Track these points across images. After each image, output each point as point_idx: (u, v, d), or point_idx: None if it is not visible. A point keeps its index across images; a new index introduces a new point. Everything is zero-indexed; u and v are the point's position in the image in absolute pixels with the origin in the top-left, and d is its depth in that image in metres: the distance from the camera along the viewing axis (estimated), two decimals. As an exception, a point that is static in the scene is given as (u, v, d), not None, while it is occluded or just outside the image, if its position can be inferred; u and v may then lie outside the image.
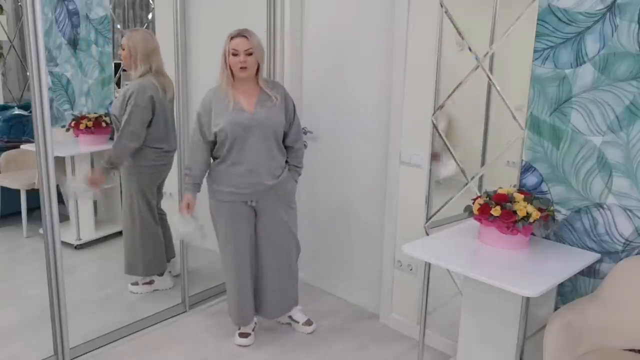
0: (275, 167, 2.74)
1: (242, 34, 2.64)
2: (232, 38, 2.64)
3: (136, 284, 3.43)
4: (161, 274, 3.44)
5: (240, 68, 2.62)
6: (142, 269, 3.36)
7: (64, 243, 2.68)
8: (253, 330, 2.97)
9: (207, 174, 2.79)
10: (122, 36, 3.16)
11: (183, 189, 2.81)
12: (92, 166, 4.10)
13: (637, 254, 2.20)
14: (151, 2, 3.93)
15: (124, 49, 3.16)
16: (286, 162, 2.82)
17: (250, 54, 2.62)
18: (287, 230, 2.86)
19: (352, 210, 3.36)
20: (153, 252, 3.34)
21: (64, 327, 2.67)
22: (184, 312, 3.25)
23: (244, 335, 2.93)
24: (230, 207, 2.74)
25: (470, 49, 2.61)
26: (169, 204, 3.98)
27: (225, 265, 2.85)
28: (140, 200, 3.25)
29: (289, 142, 2.82)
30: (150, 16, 3.94)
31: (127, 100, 3.06)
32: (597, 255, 2.27)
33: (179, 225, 2.78)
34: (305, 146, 3.43)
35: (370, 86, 3.14)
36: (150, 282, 3.44)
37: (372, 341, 3.02)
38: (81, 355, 2.78)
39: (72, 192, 3.37)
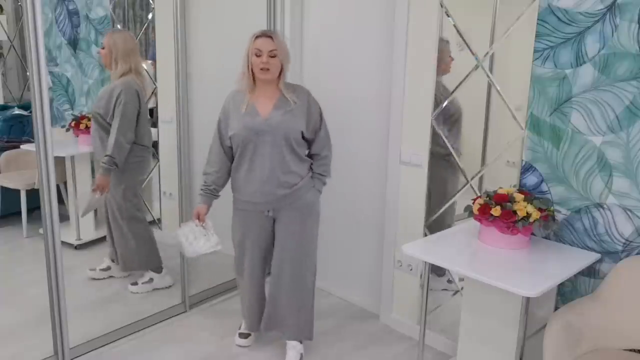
0: (289, 176, 2.55)
1: (266, 33, 2.51)
2: (256, 37, 2.50)
3: (135, 283, 3.44)
4: (159, 271, 3.46)
5: (261, 69, 2.47)
6: (138, 263, 3.39)
7: (64, 243, 2.68)
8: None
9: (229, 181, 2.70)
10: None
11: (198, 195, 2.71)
12: (93, 166, 4.10)
13: (637, 254, 2.20)
14: (151, 2, 3.93)
15: (103, 48, 3.20)
16: (311, 169, 2.66)
17: (274, 56, 2.46)
18: (300, 245, 2.65)
19: (352, 210, 3.35)
20: (145, 245, 3.39)
21: (64, 327, 2.67)
22: (184, 312, 3.25)
23: (243, 335, 2.93)
24: (246, 215, 2.65)
25: (470, 49, 2.61)
26: (169, 204, 3.99)
27: (238, 271, 2.80)
28: (131, 196, 3.31)
29: (314, 150, 2.64)
30: (150, 16, 3.94)
31: (117, 100, 3.11)
32: (597, 255, 2.27)
33: (189, 242, 2.66)
34: None
35: (370, 86, 3.14)
36: (150, 281, 3.45)
37: (372, 341, 3.02)
38: (81, 355, 2.78)
39: (88, 206, 3.36)
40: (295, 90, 2.60)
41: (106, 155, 3.11)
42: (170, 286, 3.45)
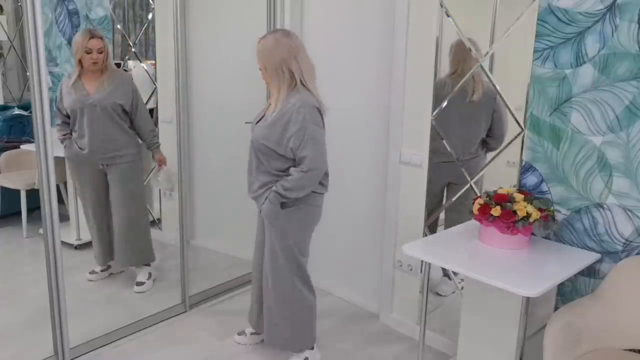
0: (255, 183, 2.52)
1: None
2: None
3: (141, 283, 3.46)
4: (151, 262, 3.57)
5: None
6: (147, 256, 3.51)
7: (64, 243, 2.68)
8: (253, 333, 2.95)
9: None
10: (88, 38, 3.14)
11: None
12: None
13: (637, 254, 2.20)
14: (151, 2, 3.93)
15: (101, 52, 3.18)
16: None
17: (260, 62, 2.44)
18: (268, 255, 2.58)
19: (352, 210, 3.36)
20: (148, 237, 3.53)
21: (64, 327, 2.67)
22: (184, 312, 3.25)
23: (240, 332, 2.96)
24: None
25: (470, 49, 2.61)
26: (170, 204, 4.00)
27: None
28: (143, 184, 3.47)
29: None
30: (150, 16, 3.94)
31: (133, 88, 3.30)
32: (597, 255, 2.27)
33: None
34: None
35: (370, 86, 3.14)
36: (150, 275, 3.51)
37: (372, 341, 3.02)
38: (81, 355, 2.78)
39: (167, 183, 3.51)
40: (287, 102, 2.38)
41: (154, 135, 3.40)
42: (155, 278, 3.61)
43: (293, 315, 2.64)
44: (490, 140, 2.71)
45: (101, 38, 3.19)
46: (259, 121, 2.52)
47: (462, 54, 2.68)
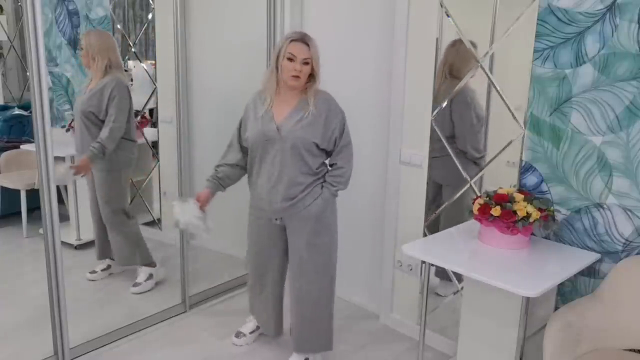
0: (293, 188, 2.47)
1: (304, 39, 2.40)
2: (291, 41, 2.40)
3: (138, 284, 3.45)
4: (154, 265, 3.53)
5: (293, 76, 2.39)
6: (139, 257, 3.46)
7: (64, 243, 2.68)
8: (251, 332, 2.96)
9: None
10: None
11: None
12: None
13: (637, 254, 2.20)
14: (151, 2, 3.93)
15: (82, 48, 3.25)
16: (324, 179, 2.54)
17: (307, 64, 2.40)
18: (320, 256, 2.59)
19: (352, 210, 3.35)
20: (141, 239, 3.49)
21: (64, 327, 2.67)
22: (184, 312, 3.25)
23: (237, 334, 2.96)
24: (258, 223, 2.65)
25: (471, 49, 2.61)
26: (170, 204, 3.99)
27: (252, 281, 2.83)
28: (127, 192, 3.42)
29: (331, 160, 2.54)
30: (150, 16, 3.94)
31: (110, 96, 3.15)
32: (597, 255, 2.27)
33: (182, 212, 2.60)
34: None
35: (370, 86, 3.14)
36: (150, 277, 3.49)
37: (372, 341, 3.02)
38: (81, 355, 2.78)
39: (57, 180, 3.37)
40: (317, 98, 2.46)
41: (97, 142, 3.12)
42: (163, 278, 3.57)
43: (331, 310, 2.75)
44: (456, 139, 2.76)
45: (84, 35, 3.26)
46: (268, 123, 2.47)
47: (454, 57, 2.70)
